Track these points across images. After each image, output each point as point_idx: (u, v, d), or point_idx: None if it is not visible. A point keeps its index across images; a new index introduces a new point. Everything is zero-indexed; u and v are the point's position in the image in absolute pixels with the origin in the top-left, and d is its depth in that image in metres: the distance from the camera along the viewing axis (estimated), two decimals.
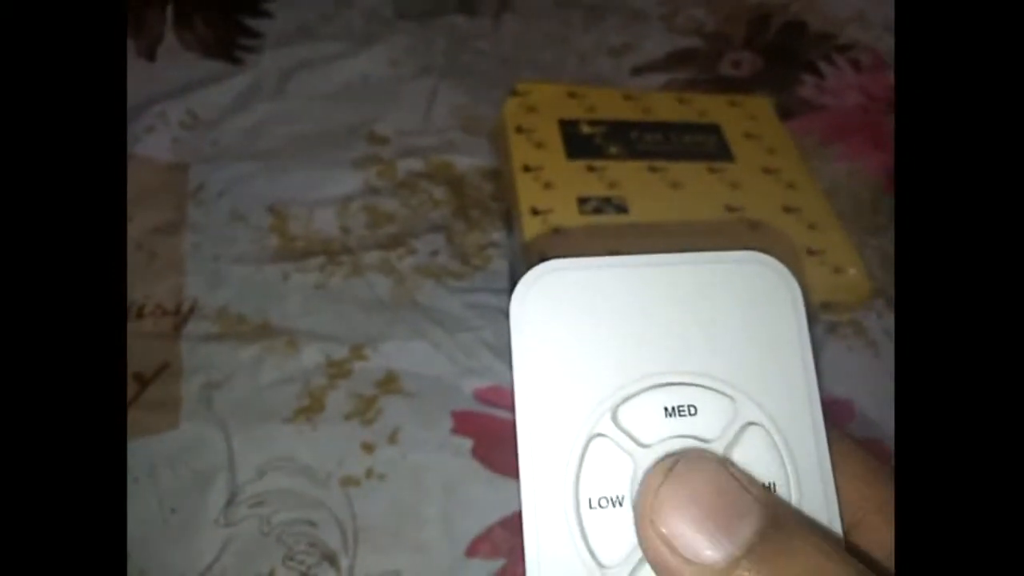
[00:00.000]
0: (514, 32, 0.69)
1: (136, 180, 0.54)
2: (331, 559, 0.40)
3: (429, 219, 0.55)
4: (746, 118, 0.59)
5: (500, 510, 0.42)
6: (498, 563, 0.41)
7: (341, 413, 0.45)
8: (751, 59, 0.70)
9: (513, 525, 0.42)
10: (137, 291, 0.49)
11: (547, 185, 0.51)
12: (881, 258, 0.54)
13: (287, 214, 0.54)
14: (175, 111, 0.59)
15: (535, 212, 0.50)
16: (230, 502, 0.42)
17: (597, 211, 0.49)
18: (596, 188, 0.51)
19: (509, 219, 0.54)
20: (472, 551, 0.41)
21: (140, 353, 0.46)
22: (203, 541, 0.40)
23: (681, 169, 0.54)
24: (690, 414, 0.18)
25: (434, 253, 0.53)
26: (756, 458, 0.18)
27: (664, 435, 0.18)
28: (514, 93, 0.56)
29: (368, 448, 0.44)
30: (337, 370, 0.47)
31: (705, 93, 0.64)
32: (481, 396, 0.46)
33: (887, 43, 0.72)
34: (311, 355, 0.47)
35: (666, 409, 0.18)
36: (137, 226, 0.52)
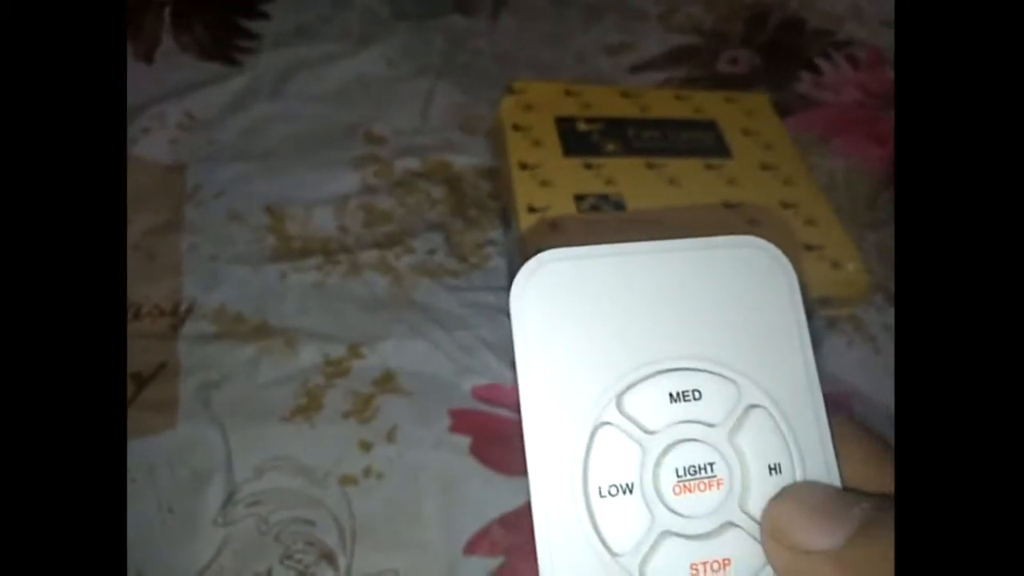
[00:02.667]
0: (511, 31, 0.69)
1: (134, 181, 0.54)
2: (329, 558, 0.40)
3: (427, 218, 0.55)
4: (743, 114, 0.59)
5: (498, 508, 0.42)
6: (496, 561, 0.41)
7: (339, 412, 0.45)
8: (749, 56, 0.70)
9: (511, 523, 0.42)
10: (135, 292, 0.49)
11: (544, 183, 0.51)
12: (880, 253, 0.53)
13: (284, 214, 0.54)
14: (173, 112, 0.59)
15: (532, 210, 0.50)
16: (228, 501, 0.41)
17: (594, 208, 0.49)
18: (593, 185, 0.51)
19: (507, 217, 0.54)
20: (470, 549, 0.41)
21: (138, 353, 0.46)
22: (201, 540, 0.40)
23: (678, 166, 0.54)
24: (695, 399, 0.18)
25: (432, 252, 0.53)
26: (760, 439, 0.18)
27: (670, 420, 0.18)
28: (510, 91, 0.56)
29: (366, 447, 0.44)
30: (335, 369, 0.47)
31: (703, 90, 0.64)
32: (479, 394, 0.46)
33: (885, 39, 0.72)
34: (309, 354, 0.47)
35: (671, 395, 0.18)
36: (135, 227, 0.52)
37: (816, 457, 0.18)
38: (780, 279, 0.20)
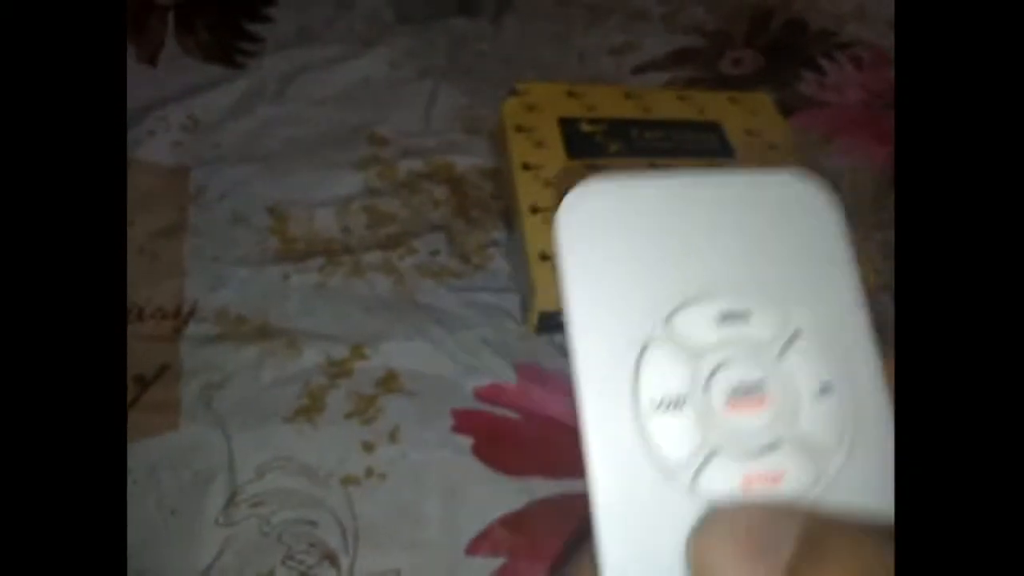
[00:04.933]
0: (514, 33, 0.69)
1: (137, 184, 0.54)
2: (331, 558, 0.40)
3: (429, 219, 0.55)
4: (747, 114, 0.59)
5: (500, 508, 0.42)
6: (498, 561, 0.41)
7: (341, 412, 0.45)
8: (752, 57, 0.70)
9: (513, 523, 0.42)
10: (138, 294, 0.49)
11: (547, 183, 0.51)
12: (885, 253, 0.53)
13: (288, 216, 0.54)
14: (176, 115, 0.59)
15: (535, 210, 0.50)
16: (230, 502, 0.41)
17: None
18: None
19: (509, 218, 0.54)
20: (472, 549, 0.41)
21: (140, 355, 0.46)
22: (203, 541, 0.40)
23: (682, 166, 0.54)
24: (744, 320, 0.19)
25: (434, 253, 0.52)
26: (808, 362, 0.18)
27: (720, 340, 0.18)
28: (513, 92, 0.56)
29: (368, 447, 0.44)
30: (337, 370, 0.47)
31: (706, 91, 0.64)
32: (482, 395, 0.46)
33: (888, 39, 0.72)
34: (311, 355, 0.47)
35: (720, 315, 0.18)
36: (138, 230, 0.52)
37: (865, 380, 0.18)
38: (825, 211, 0.20)
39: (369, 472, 0.43)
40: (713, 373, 0.18)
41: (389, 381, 0.46)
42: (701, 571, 0.17)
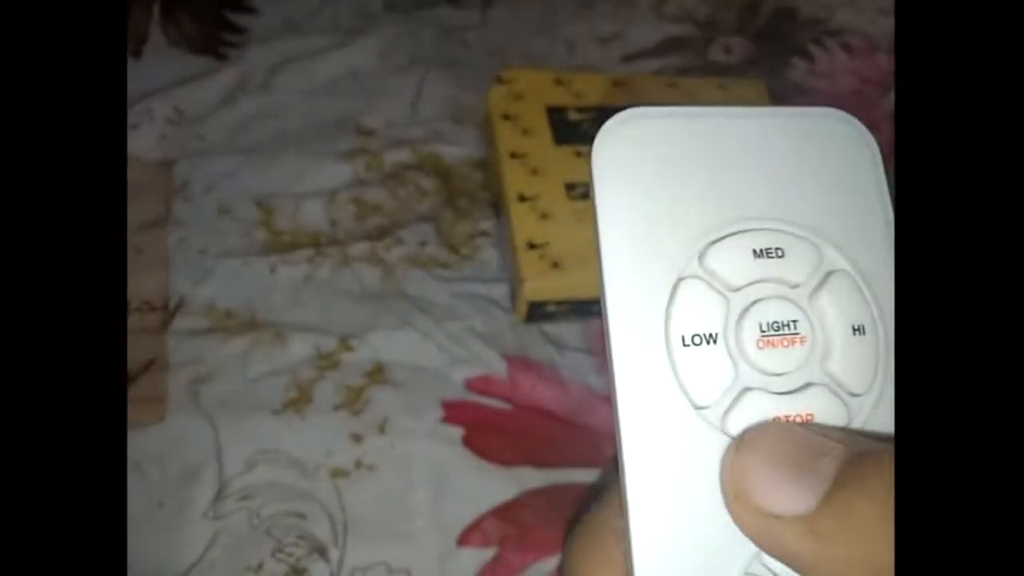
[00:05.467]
0: (502, 22, 0.69)
1: None
2: (321, 551, 0.40)
3: (417, 210, 0.54)
4: (735, 101, 0.59)
5: (491, 499, 0.42)
6: (489, 552, 0.40)
7: (330, 404, 0.45)
8: (742, 45, 0.70)
9: (504, 514, 0.42)
10: None
11: (534, 172, 0.51)
12: None
13: (274, 207, 0.54)
14: (161, 108, 0.58)
15: (522, 199, 0.49)
16: (218, 495, 0.41)
17: (585, 196, 0.49)
18: (584, 174, 0.50)
19: (498, 207, 0.53)
20: (463, 541, 0.41)
21: (127, 349, 0.46)
22: (192, 535, 0.40)
23: None
24: (778, 257, 0.18)
25: (422, 243, 0.52)
26: (842, 301, 0.18)
27: (753, 277, 0.18)
28: (500, 80, 0.56)
29: (357, 439, 0.43)
30: (325, 362, 0.46)
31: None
32: (472, 385, 0.46)
33: (879, 26, 0.72)
34: (299, 347, 0.47)
35: (754, 252, 0.18)
36: None
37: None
38: (863, 151, 0.20)
39: (358, 464, 0.43)
40: (746, 310, 0.18)
41: (377, 372, 0.46)
42: (739, 494, 0.16)
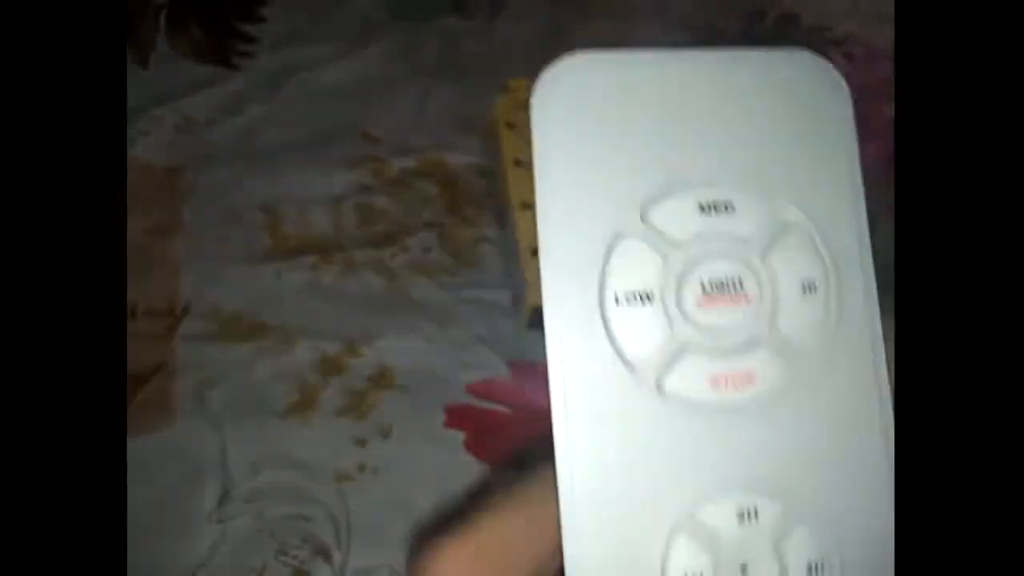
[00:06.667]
0: (507, 31, 0.69)
1: (131, 183, 0.54)
2: (324, 554, 0.40)
3: (422, 216, 0.55)
4: None
5: None
6: None
7: (334, 409, 0.45)
8: None
9: None
10: (131, 293, 0.49)
11: None
12: (876, 244, 0.53)
13: (280, 214, 0.54)
14: (170, 116, 0.59)
15: (526, 206, 0.50)
16: (223, 499, 0.42)
17: None
18: None
19: (502, 215, 0.54)
20: None
21: (134, 354, 0.46)
22: (197, 537, 0.41)
23: None
24: (727, 211, 0.17)
25: (427, 250, 0.53)
26: (795, 258, 0.17)
27: (699, 233, 0.17)
28: (505, 90, 0.56)
29: (361, 443, 0.44)
30: (330, 367, 0.47)
31: None
32: (474, 390, 0.46)
33: (881, 35, 0.72)
34: (304, 352, 0.47)
35: (701, 206, 0.17)
36: (131, 229, 0.52)
37: (855, 280, 0.17)
38: (831, 96, 0.18)
39: (362, 467, 0.43)
40: (688, 267, 0.17)
41: (382, 377, 0.46)
42: None
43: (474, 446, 0.44)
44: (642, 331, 0.17)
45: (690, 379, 0.16)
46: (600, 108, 0.17)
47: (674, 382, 0.16)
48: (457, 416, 0.45)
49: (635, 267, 0.17)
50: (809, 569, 0.16)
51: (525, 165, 0.52)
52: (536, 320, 0.48)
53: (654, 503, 0.16)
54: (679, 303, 0.17)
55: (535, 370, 0.47)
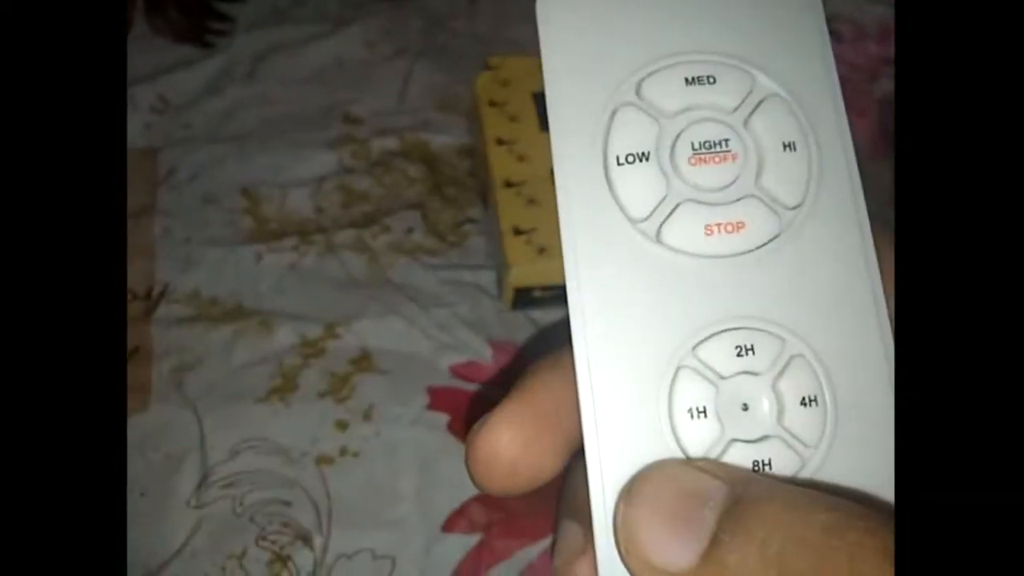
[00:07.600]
0: (489, 10, 0.69)
1: None
2: (305, 538, 0.40)
3: (404, 197, 0.54)
4: None
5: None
6: (475, 538, 0.40)
7: (315, 392, 0.44)
8: None
9: (489, 500, 0.41)
10: None
11: (521, 158, 0.50)
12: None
13: (260, 196, 0.53)
14: (145, 96, 0.58)
15: (509, 185, 0.49)
16: (202, 483, 0.41)
17: None
18: None
19: (485, 195, 0.53)
20: (448, 527, 0.41)
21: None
22: (175, 523, 0.40)
23: None
24: (710, 83, 0.19)
25: (409, 231, 0.52)
26: (775, 123, 0.19)
27: (686, 103, 0.19)
28: (487, 67, 0.56)
29: (342, 426, 0.43)
30: (311, 349, 0.46)
31: None
32: (457, 372, 0.46)
33: (869, 14, 0.71)
34: (284, 335, 0.46)
35: (686, 79, 0.19)
36: None
37: (832, 139, 0.19)
38: None
39: (343, 451, 0.42)
40: (679, 133, 0.19)
41: (363, 360, 0.46)
42: (627, 541, 0.16)
43: (458, 428, 0.43)
44: (641, 187, 0.19)
45: (686, 229, 0.18)
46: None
47: (672, 232, 0.18)
48: (440, 398, 0.44)
49: (633, 133, 0.19)
50: (802, 402, 0.18)
51: (507, 143, 0.52)
52: (520, 301, 0.48)
53: (659, 343, 0.18)
54: (673, 162, 0.19)
55: (519, 352, 0.47)
